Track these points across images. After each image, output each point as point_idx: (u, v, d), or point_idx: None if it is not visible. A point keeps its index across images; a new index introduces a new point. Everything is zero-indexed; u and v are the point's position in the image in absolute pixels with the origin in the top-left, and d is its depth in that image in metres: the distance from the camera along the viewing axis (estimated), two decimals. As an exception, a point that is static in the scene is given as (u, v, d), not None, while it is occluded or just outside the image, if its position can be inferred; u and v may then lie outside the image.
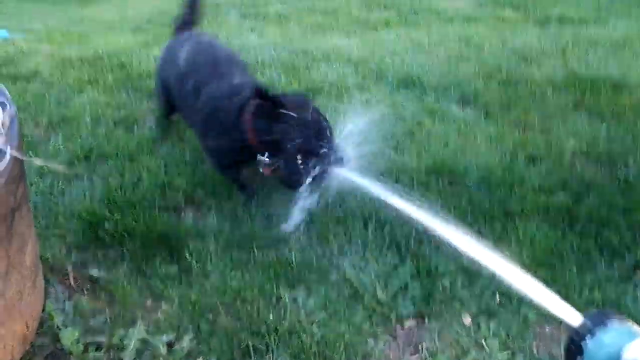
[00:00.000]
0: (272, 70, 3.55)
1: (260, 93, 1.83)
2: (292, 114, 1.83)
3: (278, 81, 3.36)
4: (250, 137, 1.92)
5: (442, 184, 2.35)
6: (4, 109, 1.39)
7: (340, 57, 3.89)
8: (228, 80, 2.12)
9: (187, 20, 2.59)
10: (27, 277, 1.43)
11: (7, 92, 1.48)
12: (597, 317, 0.95)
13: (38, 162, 1.73)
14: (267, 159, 1.95)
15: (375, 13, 5.50)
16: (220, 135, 2.05)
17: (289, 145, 1.83)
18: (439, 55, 3.99)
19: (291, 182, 1.91)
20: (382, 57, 3.88)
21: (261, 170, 2.00)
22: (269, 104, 1.84)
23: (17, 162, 1.29)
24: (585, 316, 0.97)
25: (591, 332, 0.91)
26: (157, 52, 3.94)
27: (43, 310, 1.62)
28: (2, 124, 1.34)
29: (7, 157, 1.23)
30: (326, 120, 1.92)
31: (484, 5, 5.76)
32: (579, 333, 0.94)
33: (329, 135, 1.88)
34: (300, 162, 1.84)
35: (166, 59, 2.39)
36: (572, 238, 2.01)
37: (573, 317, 1.00)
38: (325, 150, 1.83)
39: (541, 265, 1.89)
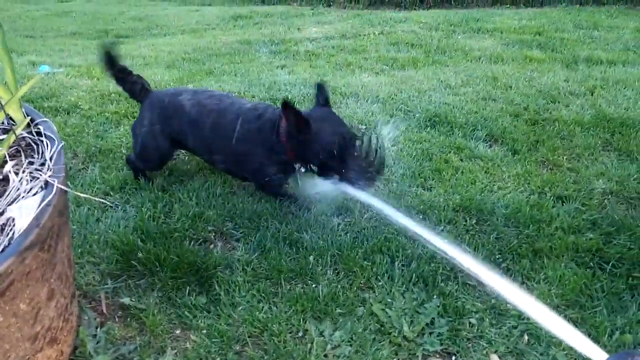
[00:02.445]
0: (303, 106, 3.62)
1: (288, 104, 2.01)
2: (320, 125, 2.11)
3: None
4: (289, 152, 2.21)
5: (469, 221, 2.36)
6: (52, 144, 1.47)
7: (368, 94, 3.97)
8: (240, 104, 2.38)
9: (127, 77, 2.52)
10: (64, 304, 1.47)
11: (54, 128, 1.56)
12: (622, 356, 0.95)
13: (81, 194, 1.79)
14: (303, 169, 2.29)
15: (402, 52, 5.59)
16: (261, 155, 2.28)
17: (321, 156, 2.13)
18: (466, 93, 4.03)
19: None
20: (410, 95, 3.94)
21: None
22: (295, 118, 2.05)
23: (62, 194, 1.35)
24: (610, 356, 0.98)
25: None
26: (191, 88, 4.08)
27: (76, 336, 1.66)
28: (50, 159, 1.41)
29: (55, 189, 1.29)
30: (348, 132, 2.15)
31: (511, 45, 5.81)
32: None
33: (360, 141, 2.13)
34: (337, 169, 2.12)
35: (164, 122, 2.44)
36: (602, 278, 1.99)
37: (598, 357, 1.01)
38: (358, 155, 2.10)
39: (570, 305, 1.88)
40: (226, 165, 2.47)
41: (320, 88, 2.28)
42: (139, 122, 2.51)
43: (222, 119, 2.33)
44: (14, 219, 1.21)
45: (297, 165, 2.31)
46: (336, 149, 2.08)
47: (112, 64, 2.44)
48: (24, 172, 1.39)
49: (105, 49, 2.42)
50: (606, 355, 1.00)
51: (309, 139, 2.09)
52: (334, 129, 2.13)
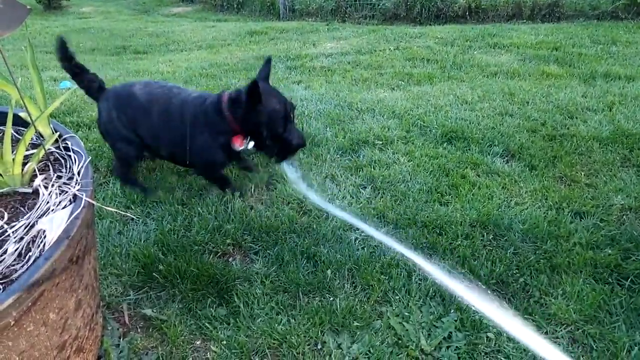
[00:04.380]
0: (319, 122, 3.67)
1: (254, 87, 2.26)
2: (267, 95, 2.35)
3: (324, 132, 3.46)
4: (231, 123, 2.39)
5: (486, 236, 2.37)
6: (79, 159, 1.51)
7: (384, 110, 4.00)
8: (187, 94, 2.55)
9: (77, 70, 2.55)
10: (90, 314, 1.51)
11: (81, 143, 1.61)
12: None
13: (107, 207, 1.84)
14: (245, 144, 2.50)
15: (418, 68, 5.62)
16: (206, 132, 2.44)
17: (261, 129, 2.38)
18: (483, 109, 4.04)
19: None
20: (426, 111, 3.96)
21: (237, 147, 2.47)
22: (255, 91, 2.27)
23: (89, 207, 1.39)
24: None
25: None
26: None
27: (101, 346, 1.69)
28: (78, 173, 1.45)
29: (83, 202, 1.33)
30: (290, 105, 2.43)
31: (528, 60, 5.82)
32: None
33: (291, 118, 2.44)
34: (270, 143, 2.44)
35: (119, 109, 2.54)
36: (620, 294, 1.99)
37: None
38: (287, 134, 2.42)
39: (589, 321, 1.88)
40: (172, 149, 2.57)
41: (267, 63, 2.52)
42: (98, 118, 2.61)
43: (170, 105, 2.48)
44: (44, 231, 1.25)
45: (241, 144, 2.48)
46: (282, 114, 2.37)
47: (67, 58, 2.47)
48: (53, 185, 1.44)
49: (60, 41, 2.43)
50: None
51: (259, 108, 2.32)
52: (279, 98, 2.40)
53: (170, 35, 9.27)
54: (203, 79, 5.33)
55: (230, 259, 2.24)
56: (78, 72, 2.53)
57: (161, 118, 2.48)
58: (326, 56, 6.37)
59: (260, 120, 2.35)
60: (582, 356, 1.74)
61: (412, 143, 3.38)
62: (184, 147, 2.46)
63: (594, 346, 1.78)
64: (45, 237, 1.22)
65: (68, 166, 1.52)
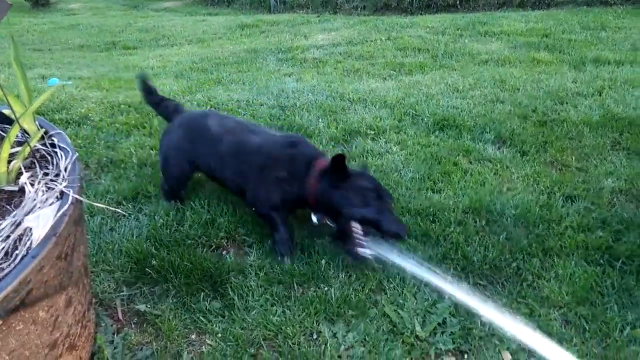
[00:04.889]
0: (311, 113, 3.65)
1: (338, 162, 1.98)
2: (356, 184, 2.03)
3: (316, 124, 3.45)
4: (311, 199, 2.11)
5: (479, 222, 2.37)
6: (66, 155, 1.50)
7: (376, 100, 3.99)
8: (267, 135, 2.30)
9: (158, 101, 2.67)
10: (82, 311, 1.50)
11: (68, 139, 1.59)
12: None
13: (96, 203, 1.83)
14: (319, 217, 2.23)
15: (410, 57, 5.61)
16: (280, 185, 2.17)
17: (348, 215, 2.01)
18: (474, 97, 4.04)
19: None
20: (418, 100, 3.96)
21: (315, 220, 2.24)
22: (334, 172, 2.00)
23: (77, 205, 1.38)
24: None
25: None
26: (200, 97, 4.13)
27: (94, 342, 1.69)
28: (65, 169, 1.44)
29: (70, 199, 1.32)
30: (387, 194, 2.08)
31: (519, 47, 5.82)
32: None
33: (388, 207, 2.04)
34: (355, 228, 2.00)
35: (188, 138, 2.41)
36: (612, 275, 2.00)
37: None
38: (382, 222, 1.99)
39: (581, 303, 1.88)
40: (238, 185, 2.32)
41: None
42: (164, 138, 2.52)
43: (248, 140, 2.27)
44: (31, 229, 1.24)
45: (315, 215, 2.26)
46: (373, 197, 2.01)
47: (149, 92, 2.66)
48: (39, 183, 1.42)
49: (141, 78, 2.66)
50: None
51: (347, 186, 2.03)
52: (372, 181, 2.08)
53: (161, 30, 9.22)
54: (194, 73, 5.31)
55: (224, 252, 2.24)
56: (158, 102, 2.66)
57: (234, 152, 2.27)
58: (317, 48, 6.35)
59: (344, 199, 2.03)
60: (575, 337, 1.75)
61: (404, 132, 3.37)
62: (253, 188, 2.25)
63: (587, 327, 1.79)
64: (32, 235, 1.22)
65: (55, 163, 1.51)
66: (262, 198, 2.21)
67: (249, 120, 2.57)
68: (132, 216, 2.44)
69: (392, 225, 1.96)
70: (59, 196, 1.37)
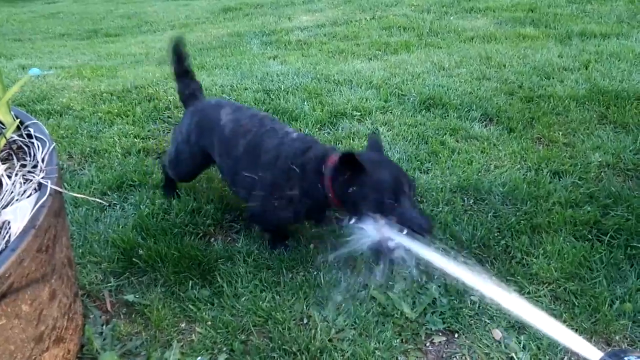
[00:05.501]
0: (296, 96, 3.62)
1: (347, 159, 1.75)
2: (372, 175, 1.78)
3: (301, 106, 3.42)
4: (333, 199, 1.88)
5: (467, 201, 2.37)
6: (43, 146, 1.47)
7: (362, 80, 3.96)
8: (283, 135, 2.06)
9: (183, 72, 2.41)
10: (67, 304, 1.48)
11: (45, 129, 1.56)
12: (616, 354, 0.97)
13: (77, 194, 1.80)
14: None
15: (395, 36, 5.57)
16: (294, 192, 1.96)
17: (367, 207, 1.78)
18: (460, 74, 4.02)
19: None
20: (404, 79, 3.93)
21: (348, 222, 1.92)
22: (344, 172, 1.79)
23: (57, 195, 1.35)
24: (605, 353, 1.00)
25: None
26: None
27: (82, 334, 1.67)
28: (42, 160, 1.41)
29: (48, 190, 1.29)
30: (407, 182, 1.81)
31: (504, 23, 5.79)
32: None
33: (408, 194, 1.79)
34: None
35: (201, 127, 2.24)
36: (600, 250, 2.01)
37: (593, 355, 1.02)
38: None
39: (570, 278, 1.89)
40: (250, 189, 2.08)
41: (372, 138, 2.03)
42: (179, 127, 2.35)
43: (262, 143, 2.05)
44: (9, 222, 1.21)
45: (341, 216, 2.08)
46: (391, 188, 1.76)
47: (180, 58, 2.36)
48: (16, 175, 1.39)
49: (176, 41, 2.35)
50: (601, 354, 1.01)
51: (362, 180, 1.79)
52: (391, 170, 1.83)
53: (143, 16, 9.09)
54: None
55: (212, 240, 2.22)
56: (183, 74, 2.38)
57: (248, 154, 2.06)
58: (302, 29, 6.28)
59: (360, 195, 1.80)
60: (565, 313, 1.76)
61: (391, 113, 3.35)
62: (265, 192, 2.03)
63: (576, 302, 1.79)
64: (10, 228, 1.19)
65: (32, 154, 1.48)
66: (270, 217, 2.04)
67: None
68: (118, 206, 2.41)
69: (413, 220, 1.71)
70: (37, 188, 1.34)
